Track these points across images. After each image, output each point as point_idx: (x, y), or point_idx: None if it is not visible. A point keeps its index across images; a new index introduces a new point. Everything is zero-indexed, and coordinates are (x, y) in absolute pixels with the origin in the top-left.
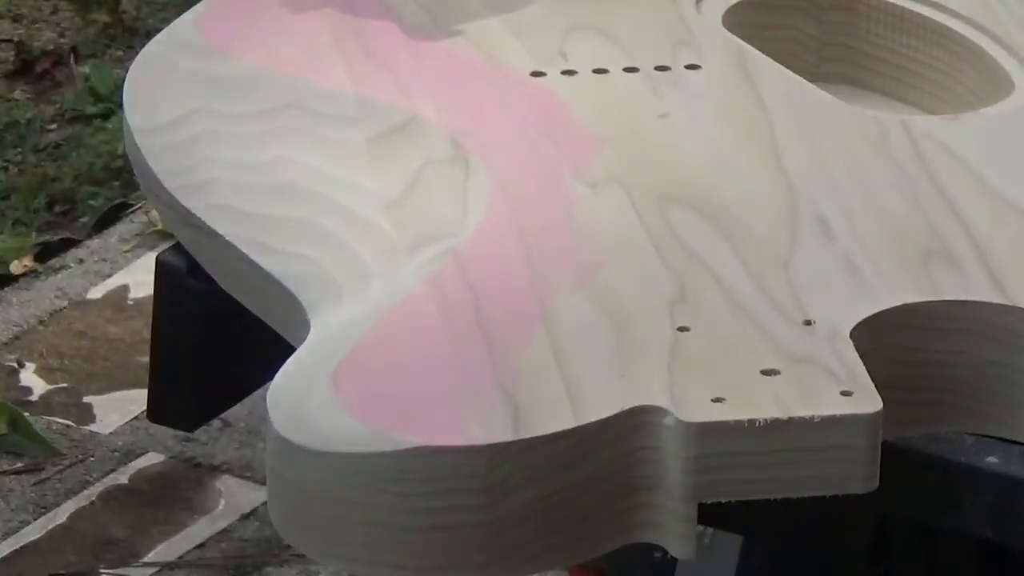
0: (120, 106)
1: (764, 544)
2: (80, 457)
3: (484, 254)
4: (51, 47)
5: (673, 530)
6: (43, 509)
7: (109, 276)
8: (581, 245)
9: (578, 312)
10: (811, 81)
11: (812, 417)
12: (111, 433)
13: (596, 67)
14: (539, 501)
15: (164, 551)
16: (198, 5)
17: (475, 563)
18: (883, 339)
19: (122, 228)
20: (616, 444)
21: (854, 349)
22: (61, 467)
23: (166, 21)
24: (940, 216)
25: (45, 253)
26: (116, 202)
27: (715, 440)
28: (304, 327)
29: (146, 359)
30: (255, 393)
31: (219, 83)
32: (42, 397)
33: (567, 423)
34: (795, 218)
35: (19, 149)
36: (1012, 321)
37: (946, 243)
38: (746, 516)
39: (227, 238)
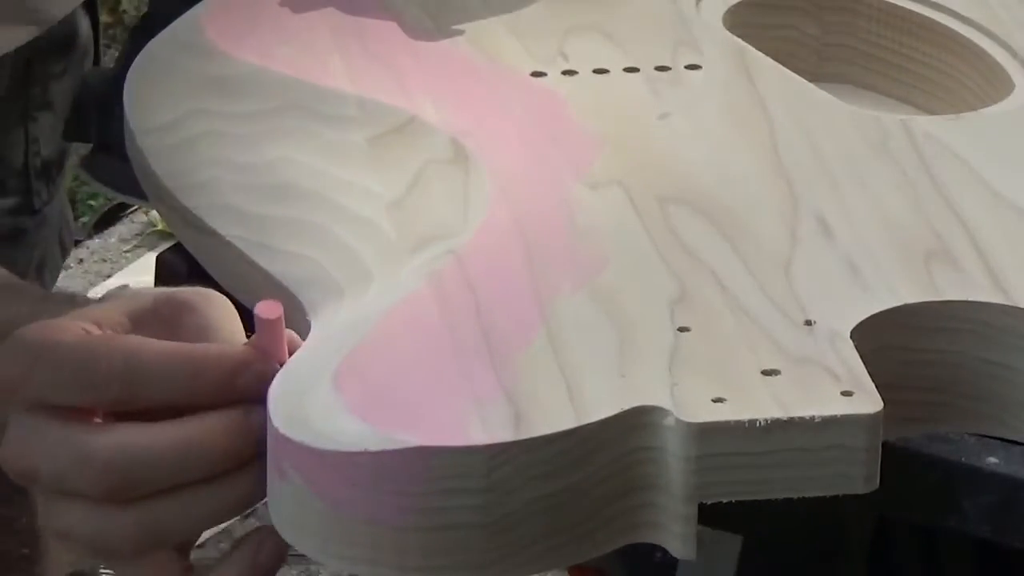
0: None
1: (764, 544)
2: None
3: (484, 254)
4: None
5: (673, 530)
6: None
7: (109, 276)
8: (581, 245)
9: (578, 312)
10: (811, 81)
11: (812, 417)
12: None
13: (596, 67)
14: (539, 501)
15: None
16: (198, 5)
17: (475, 563)
18: (883, 339)
19: (122, 228)
20: (616, 444)
21: (854, 349)
22: None
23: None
24: (940, 216)
25: None
26: (116, 202)
27: (716, 440)
28: (304, 327)
29: None
30: None
31: (219, 83)
32: None
33: (568, 423)
34: (795, 218)
35: None
36: (1012, 321)
37: (946, 243)
38: (746, 516)
39: (227, 238)
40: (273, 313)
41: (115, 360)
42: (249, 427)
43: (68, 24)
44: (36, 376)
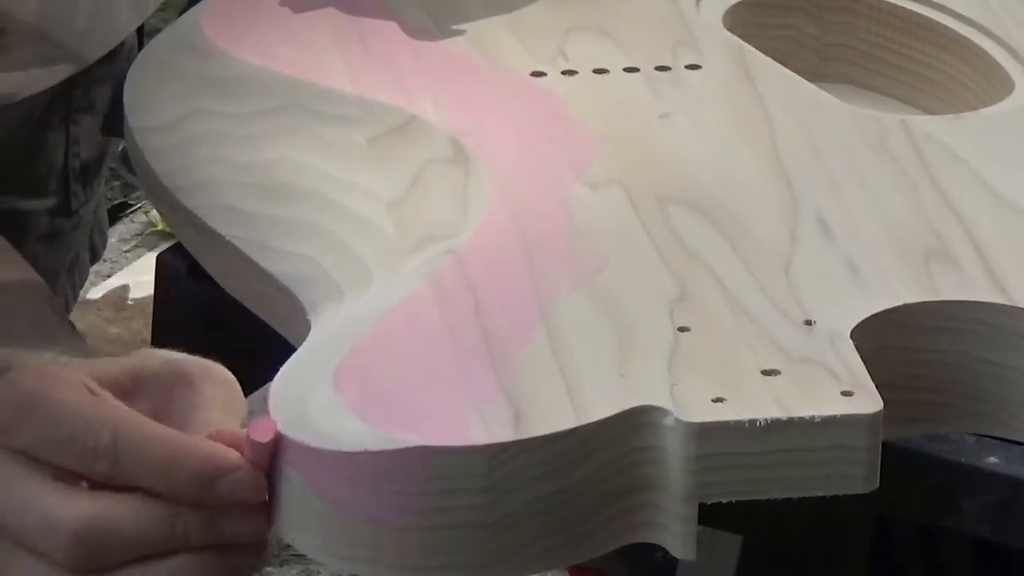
0: None
1: (764, 544)
2: None
3: (484, 254)
4: None
5: (673, 530)
6: None
7: (109, 276)
8: (581, 245)
9: (578, 312)
10: (811, 81)
11: (812, 417)
12: None
13: (596, 67)
14: (539, 501)
15: None
16: (198, 5)
17: (475, 563)
18: (883, 339)
19: (122, 228)
20: (616, 444)
21: (854, 349)
22: None
23: (166, 21)
24: (940, 216)
25: None
26: (116, 202)
27: (716, 440)
28: (304, 327)
29: None
30: (255, 393)
31: (219, 83)
32: None
33: (568, 423)
34: (795, 218)
35: None
36: (1012, 321)
37: (946, 243)
38: (746, 516)
39: (227, 238)
40: (266, 435)
41: (105, 434)
42: (222, 529)
43: None
44: (26, 427)
